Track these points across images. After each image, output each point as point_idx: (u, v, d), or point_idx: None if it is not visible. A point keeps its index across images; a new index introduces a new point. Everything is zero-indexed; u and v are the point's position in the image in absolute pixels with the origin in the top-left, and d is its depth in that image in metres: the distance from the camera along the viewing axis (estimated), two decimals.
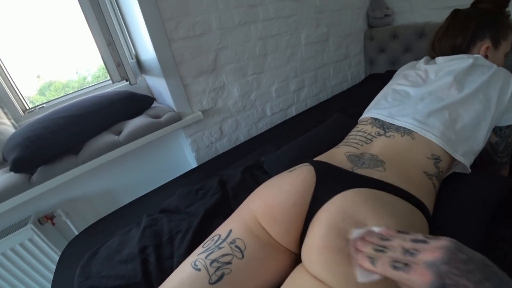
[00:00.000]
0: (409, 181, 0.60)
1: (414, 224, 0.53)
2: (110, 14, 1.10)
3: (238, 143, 1.48)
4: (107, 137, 1.13)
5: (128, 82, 1.17)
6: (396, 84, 0.91)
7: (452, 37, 0.90)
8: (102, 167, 1.12)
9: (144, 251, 0.72)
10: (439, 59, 0.90)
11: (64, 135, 1.02)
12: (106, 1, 1.13)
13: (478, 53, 0.87)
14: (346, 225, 0.50)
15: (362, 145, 0.73)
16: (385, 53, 1.95)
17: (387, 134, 0.73)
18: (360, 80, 2.04)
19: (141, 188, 1.17)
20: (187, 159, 1.43)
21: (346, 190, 0.56)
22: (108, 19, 1.01)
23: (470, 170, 0.69)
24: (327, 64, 1.83)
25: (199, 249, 0.61)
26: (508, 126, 0.78)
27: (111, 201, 1.26)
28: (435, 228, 0.60)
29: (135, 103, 1.25)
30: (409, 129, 0.70)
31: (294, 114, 1.72)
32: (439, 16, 1.69)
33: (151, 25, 1.10)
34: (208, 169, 1.22)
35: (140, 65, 1.35)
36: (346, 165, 0.66)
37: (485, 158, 0.81)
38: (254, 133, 1.56)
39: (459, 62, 0.83)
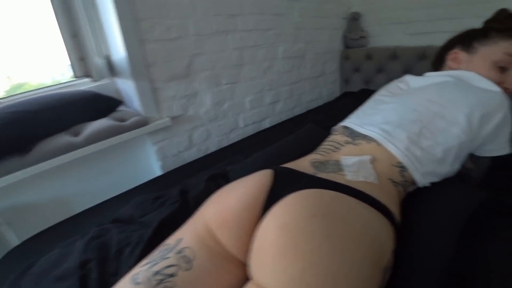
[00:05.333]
0: (373, 185, 0.58)
1: (373, 227, 0.49)
2: (79, 5, 1.04)
3: (208, 153, 1.43)
4: (63, 138, 1.03)
5: (90, 80, 1.09)
6: (377, 94, 0.91)
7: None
8: (56, 170, 1.01)
9: (85, 265, 0.63)
10: (427, 73, 0.89)
11: (12, 132, 0.91)
12: None
13: (448, 63, 0.85)
14: (292, 220, 0.46)
15: (328, 153, 0.71)
16: (360, 73, 2.00)
17: (355, 142, 0.71)
18: (335, 97, 2.07)
19: (99, 196, 1.07)
20: (152, 167, 1.34)
21: (301, 190, 0.52)
22: (75, 9, 0.95)
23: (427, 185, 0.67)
24: (303, 80, 1.84)
25: (144, 260, 0.54)
26: (485, 156, 0.75)
27: (64, 209, 1.13)
28: (403, 240, 0.57)
29: (99, 104, 1.17)
30: (374, 138, 0.68)
31: (268, 127, 1.69)
32: (410, 41, 1.79)
33: (124, 22, 1.05)
34: (173, 177, 1.15)
35: (112, 67, 1.28)
36: (308, 170, 0.63)
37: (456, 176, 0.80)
38: (225, 144, 1.51)
39: (446, 77, 0.80)
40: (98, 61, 1.21)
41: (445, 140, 0.66)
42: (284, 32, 1.62)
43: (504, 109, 0.69)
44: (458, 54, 0.84)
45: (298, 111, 1.87)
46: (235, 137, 1.56)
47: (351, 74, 2.06)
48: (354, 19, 1.99)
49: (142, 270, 0.51)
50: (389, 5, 1.86)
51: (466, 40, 0.83)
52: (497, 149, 0.73)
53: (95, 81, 1.09)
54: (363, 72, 1.98)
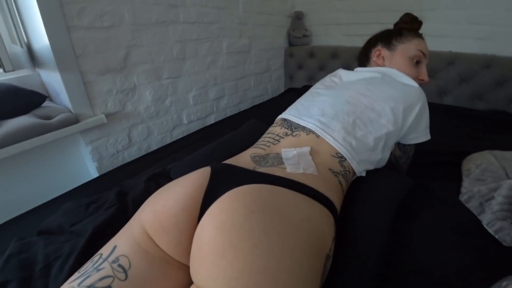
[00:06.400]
0: (313, 177, 0.60)
1: (313, 218, 0.50)
2: None
3: (150, 151, 1.35)
4: None
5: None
6: (313, 87, 0.96)
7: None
8: None
9: None
10: (357, 68, 0.98)
11: None
12: None
13: (373, 59, 0.94)
14: (230, 218, 0.45)
15: (269, 146, 0.72)
16: (303, 70, 2.09)
17: (294, 133, 0.74)
18: (280, 93, 2.13)
19: (22, 205, 0.94)
20: (87, 169, 1.23)
21: (239, 186, 0.51)
22: None
23: (364, 174, 0.74)
24: (248, 76, 1.85)
25: (75, 274, 0.49)
26: (410, 144, 0.85)
27: None
28: (343, 227, 0.61)
29: (18, 99, 1.02)
30: (312, 130, 0.72)
31: (213, 122, 1.67)
32: (347, 41, 1.92)
33: (46, 4, 0.92)
34: (111, 179, 1.06)
35: (33, 56, 1.12)
36: (248, 165, 0.63)
37: (387, 165, 0.87)
38: (168, 141, 1.45)
39: (374, 73, 0.89)
40: (14, 49, 1.05)
41: (375, 129, 0.74)
42: (228, 26, 1.60)
43: (422, 100, 0.79)
44: (381, 51, 0.94)
45: (244, 106, 1.88)
46: (178, 134, 1.50)
47: (295, 71, 2.13)
48: (298, 18, 2.05)
49: (72, 286, 0.46)
50: (330, 6, 1.96)
51: (386, 38, 0.94)
52: (419, 137, 0.84)
53: (8, 71, 0.95)
54: (306, 69, 2.06)
